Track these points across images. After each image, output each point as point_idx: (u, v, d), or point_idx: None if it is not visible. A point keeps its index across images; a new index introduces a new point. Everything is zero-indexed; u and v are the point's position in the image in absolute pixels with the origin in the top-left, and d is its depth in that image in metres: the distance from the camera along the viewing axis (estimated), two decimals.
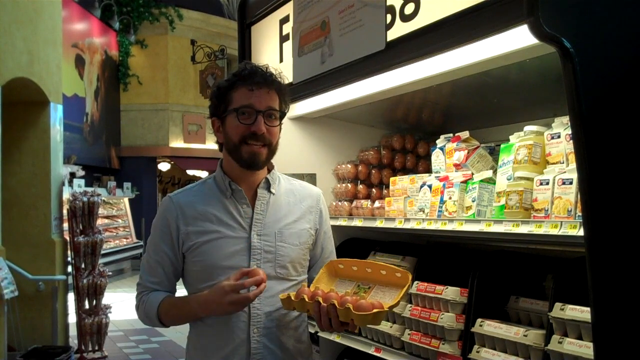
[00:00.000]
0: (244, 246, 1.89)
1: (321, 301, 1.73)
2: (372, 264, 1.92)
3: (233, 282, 1.76)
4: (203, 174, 17.01)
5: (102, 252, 7.01)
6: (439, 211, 2.43)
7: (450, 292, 2.29)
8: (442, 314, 2.29)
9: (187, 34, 16.25)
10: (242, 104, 1.86)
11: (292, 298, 1.80)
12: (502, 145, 2.31)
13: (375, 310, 1.64)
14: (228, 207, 1.92)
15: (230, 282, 1.76)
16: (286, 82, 1.97)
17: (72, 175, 8.49)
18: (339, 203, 3.15)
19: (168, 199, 1.99)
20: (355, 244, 3.09)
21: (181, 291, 1.98)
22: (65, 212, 6.89)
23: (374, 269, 1.88)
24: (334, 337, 2.85)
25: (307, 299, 1.76)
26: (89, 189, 7.23)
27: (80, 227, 6.64)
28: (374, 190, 3.15)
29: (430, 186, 2.52)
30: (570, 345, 1.82)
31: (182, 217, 1.92)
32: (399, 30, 2.08)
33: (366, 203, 3.00)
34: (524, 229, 1.96)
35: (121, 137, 15.91)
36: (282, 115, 1.94)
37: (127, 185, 14.02)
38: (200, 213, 1.91)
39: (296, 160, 3.12)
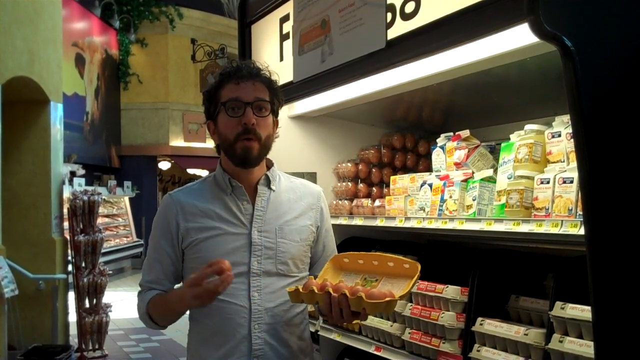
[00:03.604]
0: (245, 242, 1.89)
1: (332, 291, 1.71)
2: (379, 256, 1.90)
3: (194, 275, 1.70)
4: (203, 172, 17.01)
5: (103, 250, 7.01)
6: (439, 210, 2.43)
7: (451, 291, 2.29)
8: (443, 313, 2.28)
9: (188, 33, 16.24)
10: (229, 98, 1.87)
11: (301, 290, 1.78)
12: (502, 144, 2.31)
13: (387, 299, 1.63)
14: (228, 203, 1.92)
15: (192, 276, 1.71)
16: (275, 77, 1.97)
17: (73, 174, 8.50)
18: (340, 202, 3.15)
19: (168, 196, 1.99)
20: (355, 243, 3.09)
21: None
22: (65, 211, 6.89)
23: (381, 261, 1.86)
24: (335, 336, 2.85)
25: (316, 291, 1.74)
26: (89, 188, 7.24)
27: (81, 225, 6.64)
28: (374, 189, 3.15)
29: (430, 185, 2.52)
30: (571, 344, 1.82)
31: (182, 214, 1.92)
32: (399, 28, 2.08)
33: (367, 202, 3.00)
34: (524, 228, 1.96)
35: (121, 136, 15.92)
36: (275, 109, 1.94)
37: (127, 184, 14.02)
38: (200, 210, 1.92)
39: (296, 159, 3.12)
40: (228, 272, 1.67)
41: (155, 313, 1.91)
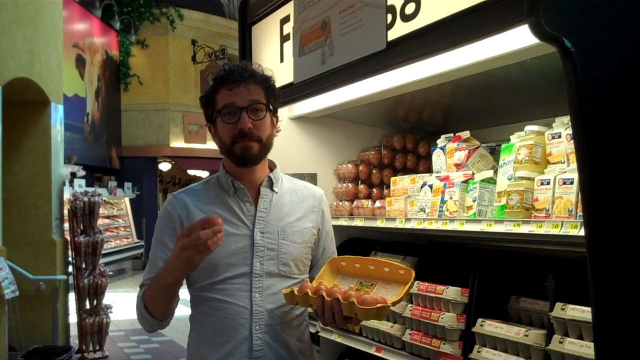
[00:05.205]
0: (247, 243, 1.90)
1: (325, 295, 1.73)
2: (375, 261, 1.91)
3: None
4: (204, 174, 17.02)
5: (103, 252, 7.02)
6: (439, 211, 2.43)
7: (451, 292, 2.29)
8: (443, 314, 2.28)
9: (188, 34, 16.25)
10: (224, 104, 1.87)
11: (296, 292, 1.80)
12: (502, 145, 2.31)
13: (378, 305, 1.64)
14: (231, 205, 1.93)
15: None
16: (269, 73, 1.96)
17: (73, 175, 8.48)
18: (340, 203, 3.15)
19: (172, 197, 2.00)
20: (356, 244, 3.09)
21: (183, 291, 1.98)
22: (66, 212, 6.89)
23: (377, 266, 1.88)
24: (335, 337, 2.85)
25: (310, 294, 1.76)
26: (90, 189, 7.23)
27: (81, 227, 6.64)
28: (374, 190, 3.15)
29: (431, 186, 2.52)
30: (571, 345, 1.82)
31: (185, 214, 1.93)
32: (399, 30, 2.08)
33: (367, 203, 3.00)
34: (524, 229, 1.96)
35: (122, 137, 15.92)
36: (272, 108, 1.93)
37: (127, 185, 14.02)
38: (203, 211, 1.92)
39: (297, 160, 3.12)
40: (220, 227, 1.63)
41: (149, 298, 1.86)
